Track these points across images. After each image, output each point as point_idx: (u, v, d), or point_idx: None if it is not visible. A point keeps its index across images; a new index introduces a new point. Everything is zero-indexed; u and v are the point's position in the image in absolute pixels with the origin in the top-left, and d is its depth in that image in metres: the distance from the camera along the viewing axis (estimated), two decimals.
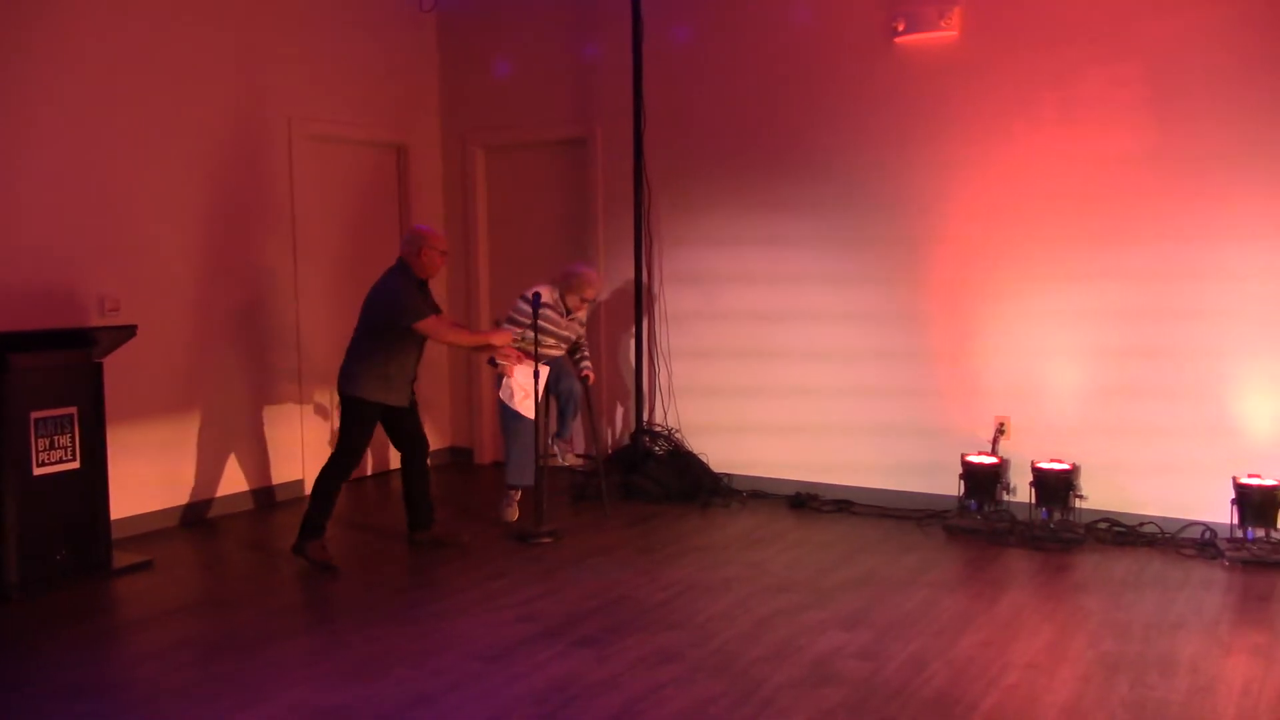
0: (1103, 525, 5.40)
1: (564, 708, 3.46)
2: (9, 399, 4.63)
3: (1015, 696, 3.51)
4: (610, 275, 6.77)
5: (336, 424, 6.73)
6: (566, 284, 5.94)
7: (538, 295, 5.64)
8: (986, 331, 5.75)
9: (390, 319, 5.03)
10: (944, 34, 5.72)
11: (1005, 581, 4.78)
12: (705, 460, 6.48)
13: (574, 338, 6.07)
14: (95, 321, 5.35)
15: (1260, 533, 4.97)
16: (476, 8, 7.24)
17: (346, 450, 5.10)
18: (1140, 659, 3.81)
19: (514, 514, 5.87)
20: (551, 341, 5.91)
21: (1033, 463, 5.48)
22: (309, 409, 6.61)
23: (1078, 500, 5.43)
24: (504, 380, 5.65)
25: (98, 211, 5.45)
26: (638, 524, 5.81)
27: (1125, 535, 5.31)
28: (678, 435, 6.57)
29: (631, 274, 6.58)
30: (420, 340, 5.15)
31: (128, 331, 5.05)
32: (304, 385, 6.55)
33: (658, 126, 6.52)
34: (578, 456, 6.40)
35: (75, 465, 4.89)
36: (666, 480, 6.30)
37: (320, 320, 6.65)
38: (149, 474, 5.71)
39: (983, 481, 5.55)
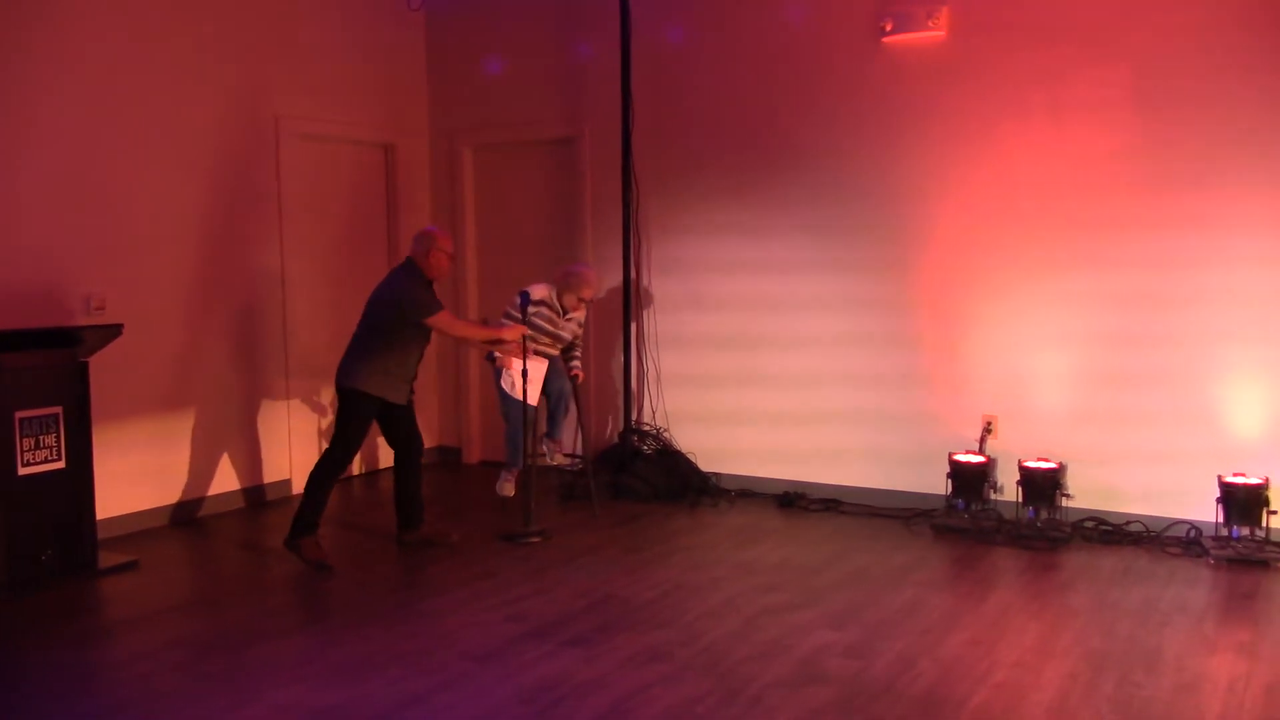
0: (1089, 524, 5.42)
1: (553, 707, 3.46)
2: None
3: (1002, 694, 3.53)
4: (598, 274, 6.76)
5: (328, 422, 6.76)
6: (564, 283, 5.96)
7: (524, 294, 5.67)
8: (974, 331, 5.78)
9: (402, 314, 5.05)
10: (932, 34, 5.74)
11: (992, 580, 4.80)
12: (693, 459, 6.48)
13: (569, 338, 6.07)
14: (81, 321, 5.32)
15: (1245, 531, 5.01)
16: (464, 6, 7.22)
17: (342, 445, 5.09)
18: (1126, 657, 3.83)
19: (510, 490, 5.90)
20: (546, 340, 5.92)
21: (1020, 462, 5.50)
22: (297, 408, 6.60)
23: (1064, 499, 5.46)
24: (503, 372, 5.70)
25: (84, 211, 5.42)
26: (626, 523, 5.82)
27: (1111, 534, 5.34)
28: (666, 434, 6.58)
29: (619, 273, 6.58)
30: (424, 339, 5.16)
31: (114, 330, 5.03)
32: (291, 384, 6.53)
33: (646, 126, 6.52)
34: (566, 456, 6.41)
35: (61, 465, 4.86)
36: (655, 479, 6.31)
37: (308, 319, 6.63)
38: (137, 473, 5.69)
39: (970, 480, 5.57)
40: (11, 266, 5.15)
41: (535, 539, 5.42)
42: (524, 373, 5.49)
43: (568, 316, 6.00)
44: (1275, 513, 4.96)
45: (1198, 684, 3.60)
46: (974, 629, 4.13)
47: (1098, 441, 5.48)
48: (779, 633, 4.10)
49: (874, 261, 5.99)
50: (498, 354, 5.64)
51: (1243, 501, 4.99)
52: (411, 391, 5.25)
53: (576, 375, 6.10)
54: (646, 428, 6.63)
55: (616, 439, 6.68)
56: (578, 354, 6.18)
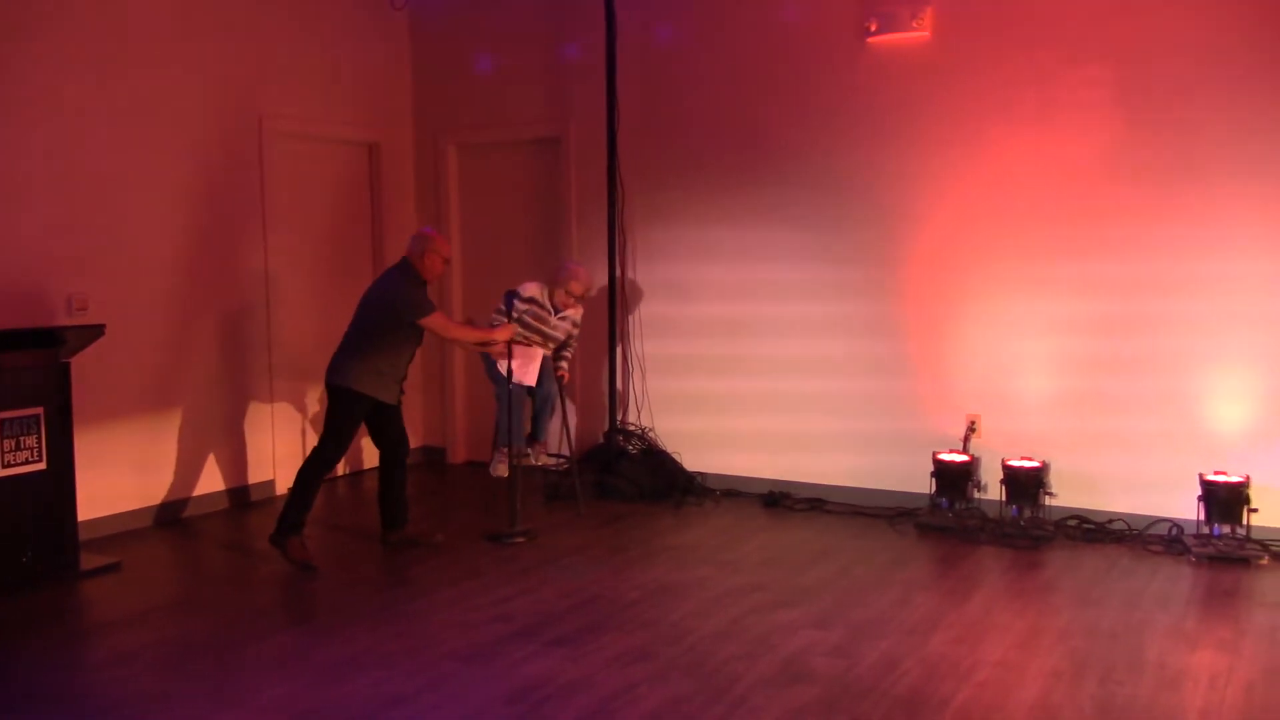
0: (1072, 522, 5.45)
1: (538, 707, 3.46)
2: None
3: (986, 693, 3.54)
4: (589, 271, 6.73)
5: (312, 421, 6.74)
6: (555, 280, 5.96)
7: (510, 293, 5.67)
8: (958, 330, 5.80)
9: (396, 314, 5.05)
10: (916, 34, 5.76)
11: (976, 579, 4.82)
12: (679, 459, 6.49)
13: (562, 337, 6.05)
14: (63, 321, 5.29)
15: (1226, 529, 5.04)
16: (449, 6, 7.20)
17: (331, 443, 5.08)
18: (1109, 654, 3.85)
19: (504, 470, 5.89)
20: (538, 339, 5.91)
21: (1003, 460, 5.52)
22: (281, 408, 6.57)
23: (1047, 498, 5.49)
24: (497, 361, 5.71)
25: (66, 211, 5.39)
26: (611, 523, 5.81)
27: (1094, 532, 5.37)
28: (651, 434, 6.58)
29: (605, 273, 6.58)
30: (417, 339, 5.16)
31: (96, 331, 5.00)
32: (275, 384, 6.51)
33: (631, 125, 6.52)
34: (550, 457, 6.40)
35: (42, 466, 4.83)
36: (640, 479, 6.30)
37: (292, 318, 6.61)
38: (120, 474, 5.65)
39: (954, 479, 5.59)
40: None
41: (520, 539, 5.41)
42: (509, 364, 5.50)
43: (560, 315, 5.99)
44: (1256, 510, 4.99)
45: (1179, 681, 3.63)
46: (958, 628, 4.15)
47: (1081, 440, 5.51)
48: (764, 632, 4.11)
49: (859, 263, 6.01)
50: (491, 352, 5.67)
51: (1224, 499, 5.03)
52: (402, 392, 5.25)
53: (562, 376, 6.10)
54: (632, 427, 6.63)
55: (602, 439, 6.68)
56: (568, 354, 6.17)
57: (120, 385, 5.63)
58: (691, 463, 6.48)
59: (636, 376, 6.69)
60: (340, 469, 7.06)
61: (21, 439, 4.75)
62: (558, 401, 6.06)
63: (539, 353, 5.79)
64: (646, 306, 6.67)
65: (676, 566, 5.00)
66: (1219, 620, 4.29)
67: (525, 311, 5.89)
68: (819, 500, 6.10)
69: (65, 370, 4.93)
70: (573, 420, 6.62)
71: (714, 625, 4.19)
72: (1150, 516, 5.33)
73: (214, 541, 5.65)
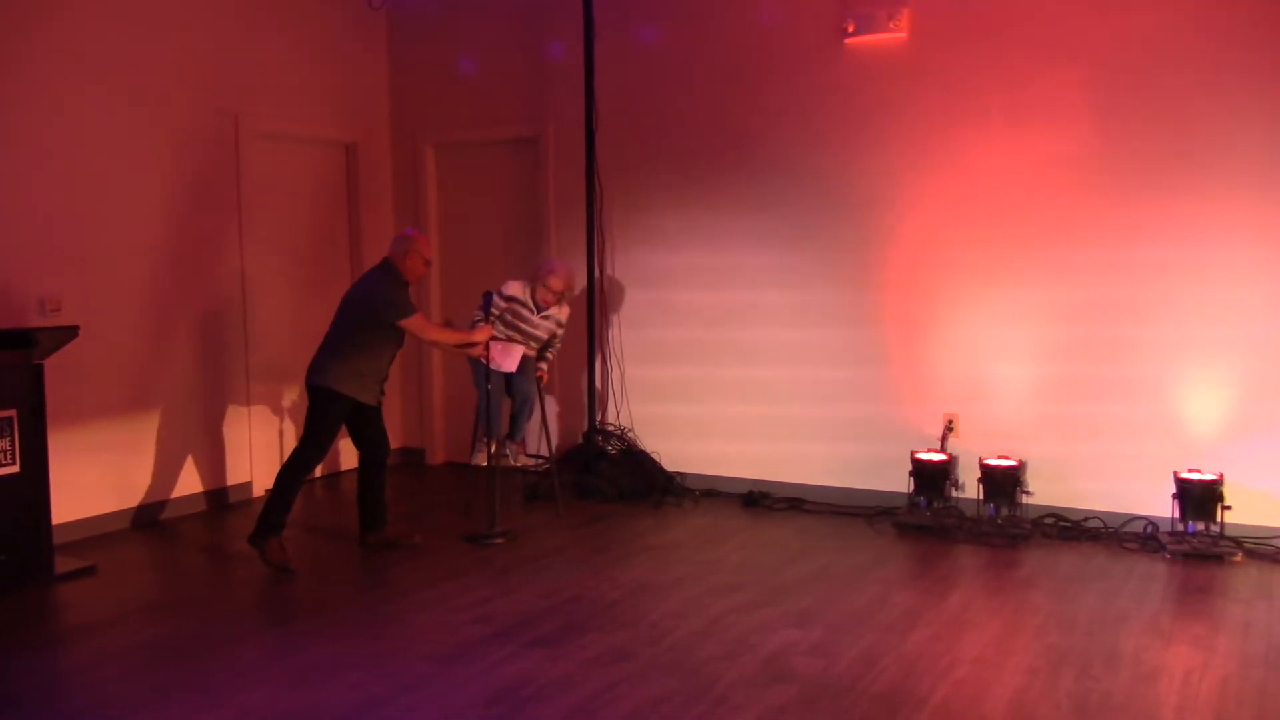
0: (1049, 520, 5.49)
1: (518, 708, 3.45)
2: None
3: (963, 691, 3.56)
4: (569, 267, 6.72)
5: (290, 423, 6.70)
6: (535, 277, 5.95)
7: (488, 293, 5.67)
8: (936, 330, 5.83)
9: (377, 314, 5.03)
10: (893, 35, 5.78)
11: (954, 577, 4.85)
12: (658, 459, 6.49)
13: (545, 336, 6.04)
14: (36, 322, 5.24)
15: (1200, 526, 5.09)
16: (427, 6, 7.18)
17: (313, 443, 5.06)
18: (1085, 651, 3.88)
19: (483, 459, 5.88)
20: (519, 338, 5.90)
21: (981, 459, 5.56)
22: (258, 410, 6.53)
23: (1024, 496, 5.52)
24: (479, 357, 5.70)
25: (39, 210, 5.33)
26: (591, 524, 5.81)
27: (1070, 530, 5.41)
28: (631, 435, 6.58)
29: (584, 274, 6.57)
30: (398, 340, 5.15)
31: (69, 332, 4.96)
32: (252, 385, 6.47)
33: (610, 125, 6.52)
34: (529, 457, 6.39)
35: (15, 469, 4.78)
36: (620, 480, 6.30)
37: (269, 319, 6.57)
38: (96, 477, 5.60)
39: (932, 478, 5.62)
40: None
41: (499, 540, 5.40)
42: (488, 360, 5.51)
43: (544, 314, 5.98)
44: (1230, 508, 5.04)
45: (1155, 677, 3.66)
46: (936, 626, 4.17)
47: (1057, 439, 5.55)
48: (743, 631, 4.11)
49: (837, 261, 6.03)
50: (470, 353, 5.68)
51: (1198, 497, 5.07)
52: (382, 393, 5.23)
53: (541, 377, 6.09)
54: (611, 428, 6.62)
55: (581, 439, 6.67)
56: (550, 355, 6.16)
57: (96, 387, 5.58)
58: (671, 463, 6.48)
59: (616, 377, 6.69)
60: (318, 470, 7.02)
61: None
62: (536, 402, 6.05)
63: (519, 346, 5.81)
64: (626, 306, 6.67)
65: (656, 567, 5.00)
66: (1193, 616, 4.33)
67: (506, 310, 5.88)
68: (798, 500, 6.11)
69: (39, 372, 4.88)
70: (552, 421, 6.61)
71: (694, 625, 4.20)
72: (1126, 514, 5.38)
73: (191, 544, 5.60)
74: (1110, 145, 5.35)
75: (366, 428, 5.23)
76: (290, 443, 6.71)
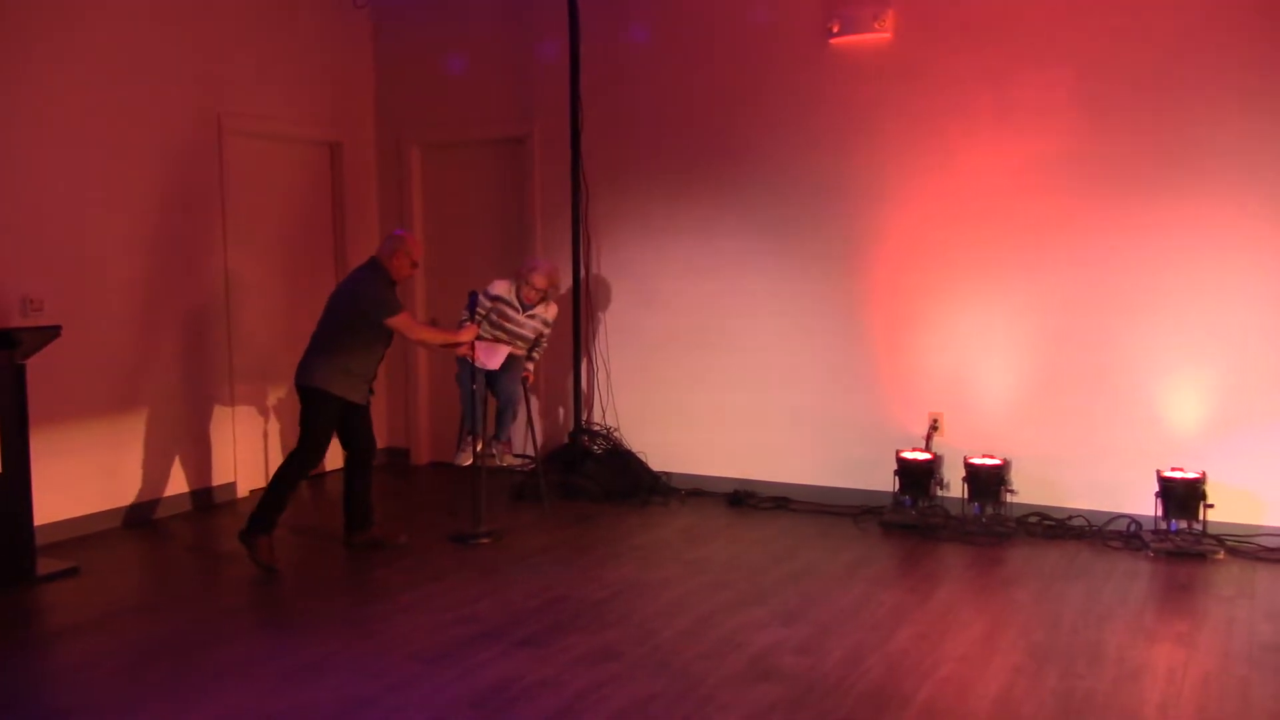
0: (1033, 519, 5.51)
1: (505, 708, 3.45)
2: None
3: (949, 688, 3.58)
4: (554, 265, 6.71)
5: (274, 423, 6.68)
6: (519, 276, 5.95)
7: (474, 293, 5.66)
8: (921, 329, 5.85)
9: (365, 313, 5.02)
10: (878, 35, 5.80)
11: (939, 575, 4.86)
12: (644, 459, 6.49)
13: (531, 335, 6.03)
14: (18, 322, 5.20)
15: (1183, 524, 5.12)
16: (411, 5, 7.16)
17: (309, 445, 5.04)
18: (1069, 649, 3.90)
19: (467, 459, 5.88)
20: (505, 337, 5.89)
21: (965, 458, 5.58)
22: (242, 410, 6.50)
23: (1009, 495, 5.54)
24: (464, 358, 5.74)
25: (20, 209, 5.30)
26: (577, 523, 5.81)
27: (1054, 528, 5.43)
28: (617, 434, 6.58)
29: (569, 273, 6.57)
30: (386, 339, 5.14)
31: (52, 332, 4.93)
32: (236, 385, 6.44)
33: (596, 125, 6.51)
34: (516, 457, 6.38)
35: None
36: (606, 479, 6.30)
37: (253, 319, 6.54)
38: (79, 478, 5.57)
39: (917, 477, 5.63)
40: None
41: (485, 540, 5.40)
42: (473, 360, 5.51)
43: (529, 313, 5.97)
44: (1212, 506, 5.07)
45: (1138, 674, 3.68)
46: (921, 624, 4.18)
47: (1041, 438, 5.57)
48: (730, 630, 4.12)
49: (822, 261, 6.04)
50: (456, 353, 5.70)
51: (1181, 495, 5.10)
52: (371, 392, 5.22)
53: (526, 378, 6.08)
54: (597, 428, 6.62)
55: (567, 439, 6.67)
56: (536, 355, 6.15)
57: (79, 387, 5.55)
58: (657, 463, 6.48)
59: (601, 376, 6.69)
60: None
61: None
62: (520, 405, 6.03)
63: (505, 346, 5.81)
64: (611, 305, 6.67)
65: (642, 566, 5.00)
66: (1176, 614, 4.36)
67: (491, 310, 5.88)
68: (784, 499, 6.12)
69: (21, 372, 4.85)
70: (537, 420, 6.60)
71: (680, 624, 4.20)
72: (1109, 513, 5.41)
73: (175, 545, 5.58)
74: (1094, 145, 5.37)
75: (354, 427, 5.21)
76: (274, 443, 6.71)
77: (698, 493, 6.36)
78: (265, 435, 6.66)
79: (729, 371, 6.32)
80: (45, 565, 4.95)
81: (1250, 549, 5.07)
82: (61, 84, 5.46)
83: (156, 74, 5.92)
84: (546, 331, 6.11)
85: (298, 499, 6.49)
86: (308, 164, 7.02)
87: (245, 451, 6.50)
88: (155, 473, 6.01)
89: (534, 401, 6.58)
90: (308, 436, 5.04)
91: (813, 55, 5.99)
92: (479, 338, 5.60)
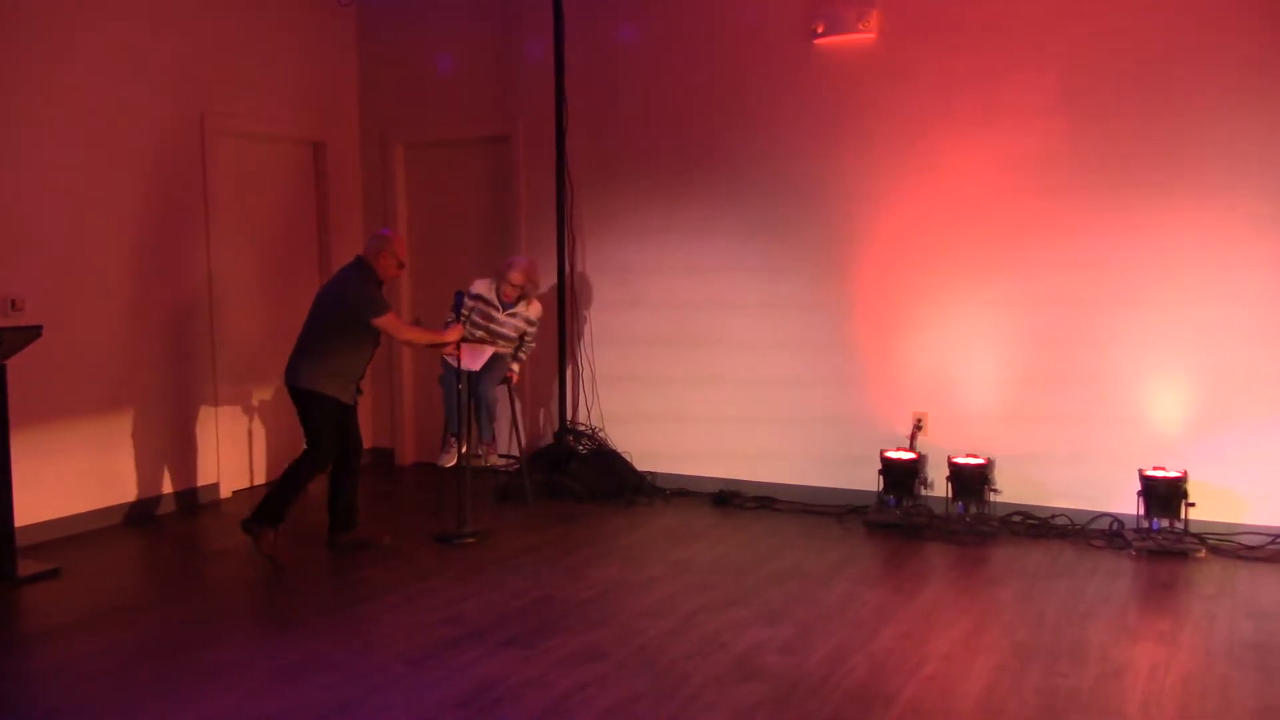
0: (1016, 518, 5.54)
1: (491, 708, 3.44)
2: None
3: (933, 687, 3.59)
4: (533, 262, 6.70)
5: (258, 423, 6.66)
6: (497, 274, 5.94)
7: (460, 293, 5.66)
8: (905, 329, 5.86)
9: (353, 312, 5.00)
10: (862, 36, 5.81)
11: (923, 575, 4.88)
12: (629, 459, 6.49)
13: (514, 334, 6.02)
14: None
15: (1165, 523, 5.15)
16: (396, 3, 7.15)
17: (318, 445, 5.04)
18: (1052, 648, 3.92)
19: (450, 460, 5.88)
20: (487, 336, 5.88)
21: (949, 458, 5.60)
22: (226, 411, 6.47)
23: (992, 494, 5.57)
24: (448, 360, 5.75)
25: (0, 210, 5.26)
26: (562, 523, 5.80)
27: (1038, 527, 5.46)
28: (602, 434, 6.58)
29: (554, 272, 6.56)
30: (374, 339, 5.14)
31: (33, 332, 4.89)
32: (220, 387, 6.41)
33: (581, 124, 6.51)
34: (501, 457, 6.37)
35: None
36: (591, 479, 6.30)
37: (237, 319, 6.51)
38: (63, 478, 5.53)
39: (901, 477, 5.65)
40: None
41: (470, 540, 5.39)
42: (457, 360, 5.51)
43: (510, 311, 5.96)
44: (1193, 505, 5.10)
45: (1120, 672, 3.70)
46: (905, 623, 4.20)
47: (1025, 437, 5.60)
48: (715, 630, 4.12)
49: (807, 261, 6.06)
50: (446, 355, 5.70)
51: (1162, 494, 5.14)
52: (359, 392, 5.21)
53: (510, 377, 6.07)
54: (582, 428, 6.62)
55: (552, 439, 6.66)
56: (523, 355, 6.14)
57: (61, 388, 5.51)
58: (642, 463, 6.49)
59: (587, 375, 6.69)
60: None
61: None
62: (497, 405, 6.02)
63: (490, 347, 5.80)
64: (596, 305, 6.67)
65: (627, 566, 5.00)
66: (1158, 612, 4.38)
67: (474, 309, 5.87)
68: (768, 499, 6.13)
69: (2, 372, 4.81)
70: (522, 420, 6.59)
71: (665, 624, 4.20)
72: (1092, 512, 5.44)
73: (159, 546, 5.54)
74: (1078, 145, 5.40)
75: (341, 428, 5.19)
76: (259, 444, 6.69)
77: (683, 493, 6.36)
78: (250, 436, 6.63)
79: (714, 371, 6.33)
80: (26, 567, 4.91)
81: (1231, 547, 5.10)
82: (43, 85, 5.42)
83: (139, 73, 5.88)
84: (531, 330, 6.10)
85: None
86: (292, 163, 7.00)
87: (229, 452, 6.47)
88: (139, 474, 5.97)
89: (518, 402, 6.57)
90: (312, 436, 5.05)
91: (797, 56, 6.01)
92: (465, 338, 5.59)
